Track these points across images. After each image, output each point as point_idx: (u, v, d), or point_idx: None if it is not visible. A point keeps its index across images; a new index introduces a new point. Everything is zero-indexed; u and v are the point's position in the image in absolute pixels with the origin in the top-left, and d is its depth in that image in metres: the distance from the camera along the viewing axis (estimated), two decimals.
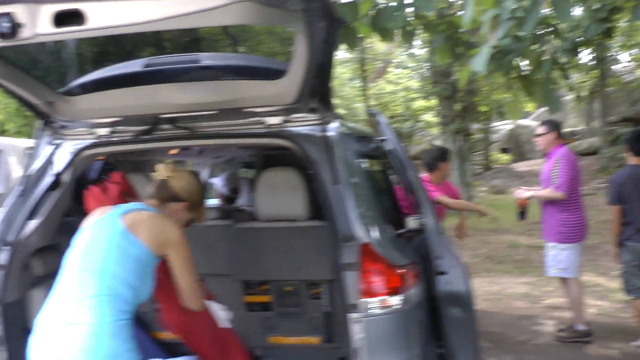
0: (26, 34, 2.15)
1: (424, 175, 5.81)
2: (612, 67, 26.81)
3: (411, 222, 3.62)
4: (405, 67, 27.87)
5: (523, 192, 6.14)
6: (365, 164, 3.84)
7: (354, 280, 2.97)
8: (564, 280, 6.16)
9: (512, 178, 22.66)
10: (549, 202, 6.00)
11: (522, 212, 6.20)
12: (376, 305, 2.96)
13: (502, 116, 28.08)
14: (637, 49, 25.11)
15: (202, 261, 3.88)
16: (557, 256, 5.99)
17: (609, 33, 8.05)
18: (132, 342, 2.54)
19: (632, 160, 5.64)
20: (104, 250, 2.67)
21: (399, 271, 3.04)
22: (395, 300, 2.99)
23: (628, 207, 5.53)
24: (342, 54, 33.59)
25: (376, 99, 28.10)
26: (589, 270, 9.63)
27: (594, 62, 24.73)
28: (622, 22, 25.42)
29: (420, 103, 27.13)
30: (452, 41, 5.38)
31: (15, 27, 2.12)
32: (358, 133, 4.17)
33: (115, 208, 2.88)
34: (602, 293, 8.21)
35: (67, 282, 2.64)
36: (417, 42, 22.24)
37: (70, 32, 2.19)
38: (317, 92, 3.12)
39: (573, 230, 5.93)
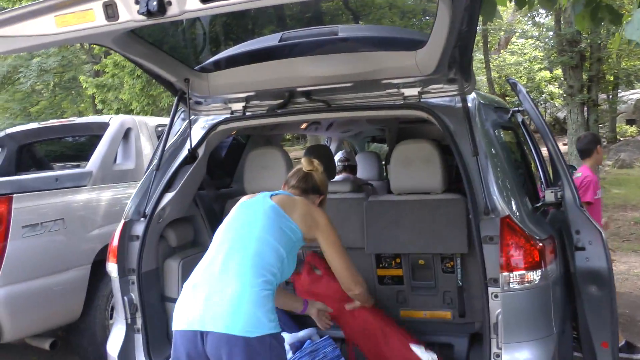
0: (174, 11, 2.16)
1: (586, 162, 5.46)
2: None
3: (549, 195, 3.52)
4: (530, 37, 26.75)
5: None
6: (502, 135, 3.77)
7: (494, 253, 2.93)
8: None
9: (638, 151, 21.47)
10: None
11: None
12: (516, 280, 2.92)
13: (629, 85, 26.63)
14: None
15: None
16: None
17: None
18: (274, 314, 2.56)
19: None
20: (256, 220, 2.79)
21: (539, 246, 2.98)
22: (534, 276, 2.93)
23: None
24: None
25: (498, 70, 27.26)
26: None
27: None
28: None
29: (544, 74, 26.09)
30: (594, 6, 5.11)
31: (164, 4, 2.14)
32: (494, 104, 4.09)
33: (263, 193, 2.99)
34: None
35: (216, 250, 2.74)
36: (543, 10, 21.33)
37: (217, 7, 2.17)
38: (457, 62, 3.06)
39: None
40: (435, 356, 3.41)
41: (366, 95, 3.61)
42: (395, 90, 3.51)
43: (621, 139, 24.94)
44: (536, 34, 25.18)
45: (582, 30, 6.89)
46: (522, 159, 4.36)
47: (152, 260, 3.69)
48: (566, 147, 16.30)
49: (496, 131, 3.59)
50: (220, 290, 2.54)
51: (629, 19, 3.91)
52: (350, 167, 5.88)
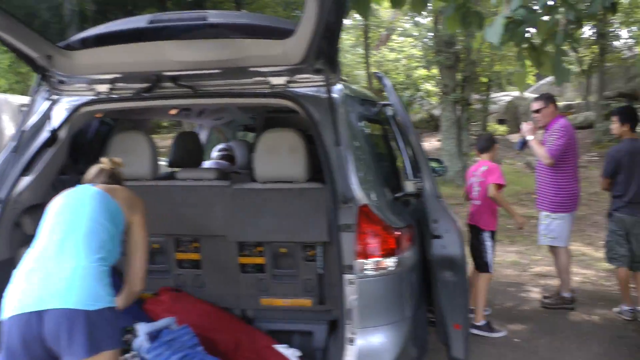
0: None
1: (484, 157, 5.82)
2: (612, 42, 26.79)
3: (409, 186, 3.65)
4: (409, 36, 27.51)
5: (527, 130, 6.08)
6: (367, 127, 3.86)
7: (350, 241, 3.01)
8: (553, 248, 6.26)
9: (507, 149, 22.63)
10: (544, 172, 6.06)
11: (523, 142, 6.19)
12: (371, 267, 3.01)
13: (501, 87, 27.98)
14: (636, 27, 25.02)
15: (198, 222, 3.90)
16: (550, 225, 6.08)
17: (613, 8, 8.05)
18: (112, 289, 2.62)
19: (628, 134, 5.79)
20: (84, 204, 2.80)
21: (395, 234, 3.09)
22: (389, 263, 3.05)
23: (621, 180, 5.69)
24: (346, 20, 33.35)
25: (378, 66, 27.85)
26: (577, 240, 9.81)
27: (595, 37, 24.82)
28: None
29: (421, 72, 26.95)
30: (463, 11, 5.36)
31: None
32: (362, 96, 4.18)
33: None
34: (588, 262, 8.43)
35: (49, 236, 2.70)
36: (422, 11, 21.95)
37: None
38: (324, 53, 3.10)
39: (566, 200, 6.01)
40: (298, 352, 3.49)
41: (233, 83, 3.57)
42: (263, 78, 3.50)
43: None
44: (416, 33, 25.96)
45: (451, 32, 7.19)
46: (388, 151, 4.50)
47: (6, 248, 3.48)
48: (440, 143, 16.97)
49: (361, 123, 3.67)
50: (57, 270, 2.54)
51: (491, 22, 4.15)
52: (229, 157, 5.84)
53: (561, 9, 4.73)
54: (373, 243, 3.02)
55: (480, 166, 5.74)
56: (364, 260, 3.01)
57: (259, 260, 3.92)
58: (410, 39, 27.67)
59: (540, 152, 5.91)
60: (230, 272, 3.91)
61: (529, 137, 6.02)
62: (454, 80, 15.91)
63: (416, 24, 25.27)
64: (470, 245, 5.75)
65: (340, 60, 3.42)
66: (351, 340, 3.02)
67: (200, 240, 4.00)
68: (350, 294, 3.00)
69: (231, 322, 3.80)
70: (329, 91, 3.34)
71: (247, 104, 4.23)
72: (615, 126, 5.85)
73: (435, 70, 19.74)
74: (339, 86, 3.57)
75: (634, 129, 5.83)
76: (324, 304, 3.78)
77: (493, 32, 3.97)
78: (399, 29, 29.13)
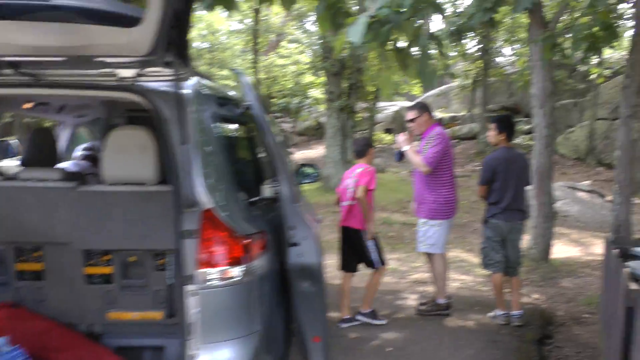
0: None
1: (360, 161, 5.89)
2: (496, 58, 27.95)
3: (266, 190, 3.45)
4: (298, 43, 27.59)
5: (402, 141, 6.05)
6: (225, 127, 3.63)
7: (193, 248, 2.77)
8: (430, 255, 6.26)
9: (393, 157, 23.00)
10: (421, 180, 6.05)
11: (400, 154, 6.12)
12: (216, 277, 2.78)
13: (387, 97, 28.61)
14: (518, 45, 26.17)
15: (41, 228, 3.52)
16: (427, 232, 6.08)
17: (492, 23, 8.32)
18: None
19: (504, 143, 5.86)
20: None
21: (243, 241, 2.87)
22: (236, 272, 2.82)
23: (497, 187, 5.75)
24: (236, 24, 33.05)
25: (267, 72, 27.72)
26: (457, 246, 10.02)
27: (480, 53, 25.83)
28: (508, 18, 26.93)
29: (309, 79, 27.07)
30: (333, 10, 5.25)
31: None
32: (221, 95, 3.94)
33: None
34: (467, 268, 8.59)
35: None
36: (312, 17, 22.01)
37: None
38: (174, 44, 2.83)
39: (443, 207, 6.02)
40: None
41: (80, 73, 3.25)
42: (110, 70, 3.19)
43: (378, 145, 26.66)
44: (307, 40, 26.09)
45: (322, 32, 7.11)
46: (251, 153, 4.28)
47: None
48: (324, 150, 16.99)
49: (216, 123, 3.43)
50: None
51: (354, 20, 4.03)
52: (92, 157, 5.45)
53: (426, 11, 4.69)
54: (218, 251, 2.78)
55: (356, 168, 5.79)
56: (208, 270, 2.77)
57: (106, 270, 3.58)
58: (300, 46, 27.74)
59: (417, 161, 5.90)
60: (75, 283, 3.55)
61: (405, 148, 5.99)
62: (340, 88, 16.00)
63: (305, 31, 25.33)
64: (352, 247, 5.78)
65: (191, 53, 3.17)
66: (193, 357, 2.76)
67: (43, 249, 3.62)
68: (193, 307, 2.75)
69: (75, 339, 3.44)
70: (177, 86, 3.08)
71: (94, 96, 3.87)
72: (492, 134, 5.90)
73: (323, 78, 19.79)
74: (192, 81, 3.32)
75: (510, 138, 5.92)
76: (175, 316, 3.49)
77: (355, 31, 3.85)
78: (289, 35, 29.14)
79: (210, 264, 2.77)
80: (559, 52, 6.12)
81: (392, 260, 9.09)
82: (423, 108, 6.11)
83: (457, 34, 7.50)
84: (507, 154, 5.81)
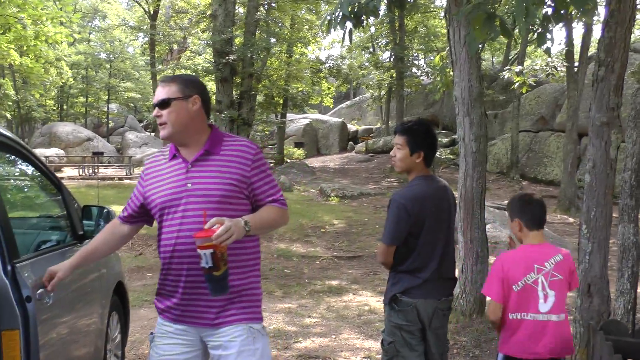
0: None
1: None
2: (411, 69, 27.01)
3: None
4: (195, 52, 25.88)
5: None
6: None
7: None
8: None
9: (303, 174, 21.19)
10: None
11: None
12: None
13: (297, 108, 27.11)
14: (432, 55, 25.34)
15: None
16: None
17: (401, 3, 6.55)
18: None
19: (420, 169, 3.38)
20: None
21: None
22: None
23: (416, 246, 3.28)
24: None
25: None
26: (366, 287, 7.99)
27: (393, 62, 24.77)
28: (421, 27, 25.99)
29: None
30: None
31: None
32: None
33: None
34: (376, 326, 6.42)
35: None
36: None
37: None
38: None
39: None
40: None
41: None
42: None
43: (288, 161, 24.87)
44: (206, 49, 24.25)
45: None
46: None
47: None
48: None
49: None
50: None
51: None
52: None
53: None
54: None
55: None
56: None
57: None
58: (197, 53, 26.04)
59: None
60: None
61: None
62: (230, 96, 13.80)
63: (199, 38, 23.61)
64: None
65: None
66: None
67: None
68: None
69: None
70: None
71: None
72: (400, 155, 3.53)
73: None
74: None
75: (430, 161, 3.45)
76: None
77: None
78: (190, 44, 27.46)
79: None
80: (496, 29, 4.02)
81: (280, 312, 6.92)
82: None
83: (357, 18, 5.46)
84: (428, 188, 3.33)
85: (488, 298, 3.60)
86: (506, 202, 14.29)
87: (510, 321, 3.12)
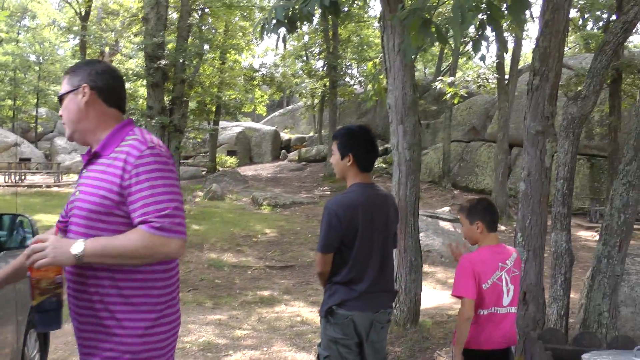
0: None
1: None
2: (345, 78, 26.97)
3: None
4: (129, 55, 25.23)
5: None
6: None
7: None
8: None
9: (235, 182, 20.88)
10: None
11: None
12: None
13: (230, 116, 26.79)
14: (365, 65, 25.38)
15: None
16: None
17: (336, 10, 6.45)
18: None
19: (356, 176, 3.19)
20: None
21: None
22: None
23: (352, 256, 3.00)
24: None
25: None
26: (299, 297, 7.84)
27: (326, 71, 24.68)
28: (354, 37, 26.07)
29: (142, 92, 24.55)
30: None
31: None
32: None
33: None
34: (309, 339, 6.26)
35: None
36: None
37: None
38: None
39: None
40: None
41: None
42: None
43: (221, 169, 24.50)
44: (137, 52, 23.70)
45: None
46: None
47: None
48: None
49: None
50: None
51: None
52: None
53: None
54: None
55: None
56: None
57: None
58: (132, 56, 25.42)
59: None
60: None
61: None
62: (161, 102, 13.43)
63: (131, 41, 23.04)
64: None
65: None
66: None
67: None
68: None
69: None
70: None
71: None
72: (336, 160, 3.43)
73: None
74: None
75: (369, 166, 3.41)
76: None
77: None
78: (122, 47, 26.78)
79: None
80: (433, 35, 3.95)
81: (210, 324, 6.69)
82: None
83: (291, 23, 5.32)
84: (363, 196, 3.15)
85: (453, 300, 3.57)
86: (439, 210, 14.43)
87: (480, 317, 3.20)
